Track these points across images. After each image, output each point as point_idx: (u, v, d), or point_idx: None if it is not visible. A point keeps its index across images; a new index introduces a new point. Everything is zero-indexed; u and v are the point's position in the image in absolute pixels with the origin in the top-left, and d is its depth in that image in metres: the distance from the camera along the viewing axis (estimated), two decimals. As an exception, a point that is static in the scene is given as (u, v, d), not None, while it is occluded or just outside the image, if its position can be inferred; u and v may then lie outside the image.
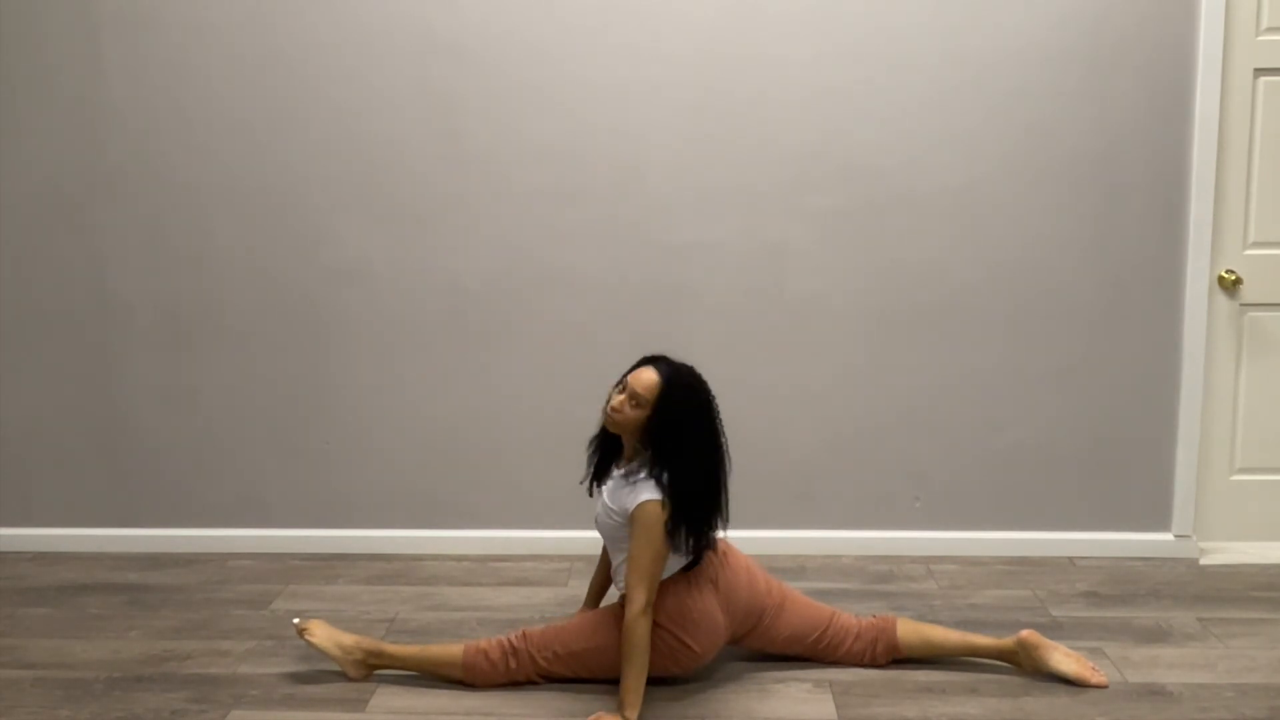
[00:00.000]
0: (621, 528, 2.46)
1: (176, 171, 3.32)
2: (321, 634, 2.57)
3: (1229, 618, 2.90)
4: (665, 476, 2.39)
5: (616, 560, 2.53)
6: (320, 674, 2.62)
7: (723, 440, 2.49)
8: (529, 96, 3.24)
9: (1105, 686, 2.51)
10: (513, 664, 2.52)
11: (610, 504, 2.48)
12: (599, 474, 2.59)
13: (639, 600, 2.35)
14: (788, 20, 3.18)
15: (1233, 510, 3.37)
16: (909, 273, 3.27)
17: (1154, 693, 2.49)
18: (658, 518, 2.37)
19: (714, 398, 2.49)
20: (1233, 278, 3.24)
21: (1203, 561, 3.29)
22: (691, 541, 2.43)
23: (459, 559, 3.39)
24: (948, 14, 3.16)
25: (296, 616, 2.72)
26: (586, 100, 3.23)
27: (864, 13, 3.16)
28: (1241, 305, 3.28)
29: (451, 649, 2.55)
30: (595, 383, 3.34)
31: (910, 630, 2.62)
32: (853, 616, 2.65)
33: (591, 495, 2.62)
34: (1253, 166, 3.22)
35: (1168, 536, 3.34)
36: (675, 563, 2.47)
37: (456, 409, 3.39)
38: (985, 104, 3.19)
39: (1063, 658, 2.52)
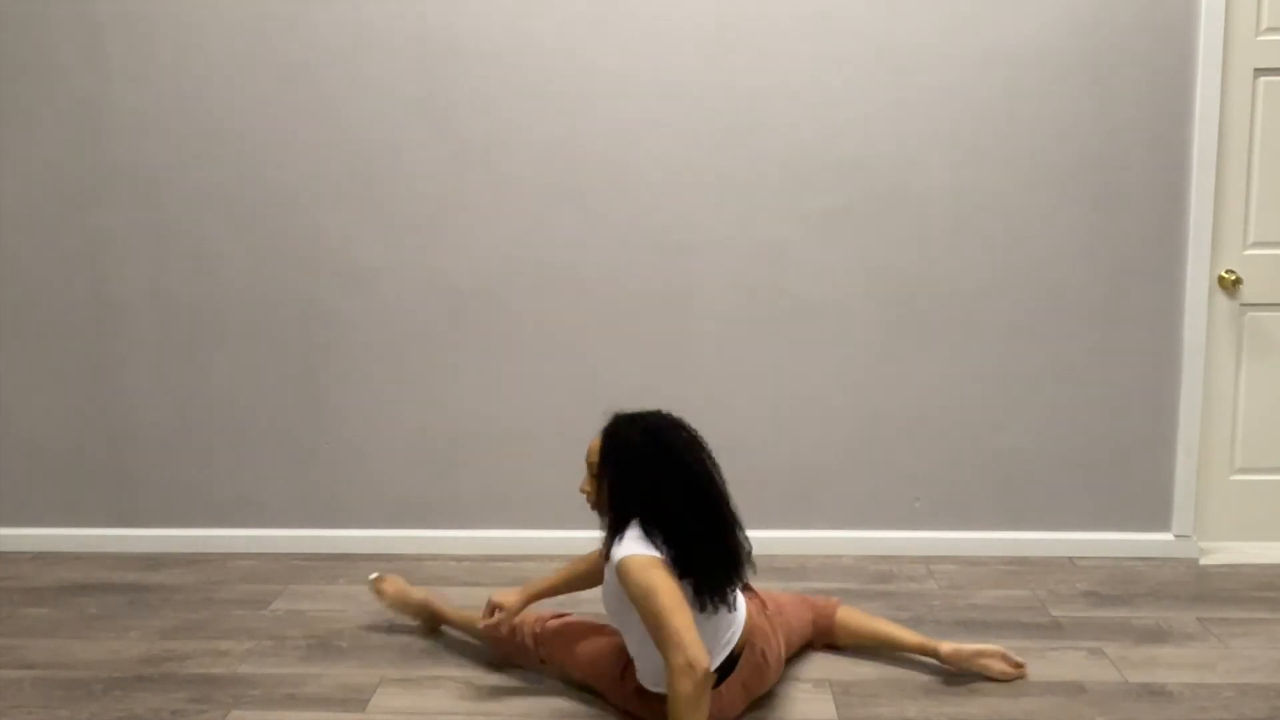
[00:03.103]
0: (617, 599, 2.27)
1: (176, 171, 3.32)
2: (391, 591, 2.79)
3: (1229, 618, 2.90)
4: (648, 529, 2.20)
5: (632, 644, 2.31)
6: (320, 674, 2.62)
7: (706, 480, 2.27)
8: (528, 97, 3.24)
9: (1025, 676, 2.55)
10: (527, 651, 2.56)
11: (608, 577, 2.31)
12: (609, 541, 2.34)
13: (678, 659, 2.04)
14: (787, 20, 3.18)
15: (1233, 510, 3.37)
16: (909, 273, 3.27)
17: (1154, 693, 2.49)
18: (642, 565, 2.14)
19: (679, 440, 2.27)
20: (1233, 278, 3.24)
21: (1203, 561, 3.29)
22: (710, 599, 2.22)
23: (459, 559, 3.39)
24: (947, 14, 3.16)
25: (374, 573, 2.88)
26: (586, 101, 3.23)
27: (864, 13, 3.16)
28: (1241, 305, 3.28)
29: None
30: (595, 383, 3.35)
31: (843, 624, 2.64)
32: (810, 616, 2.64)
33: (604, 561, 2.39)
34: (1253, 166, 3.22)
35: (1168, 536, 3.34)
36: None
37: (456, 409, 3.39)
38: (985, 104, 3.19)
39: (986, 663, 2.53)
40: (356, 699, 2.50)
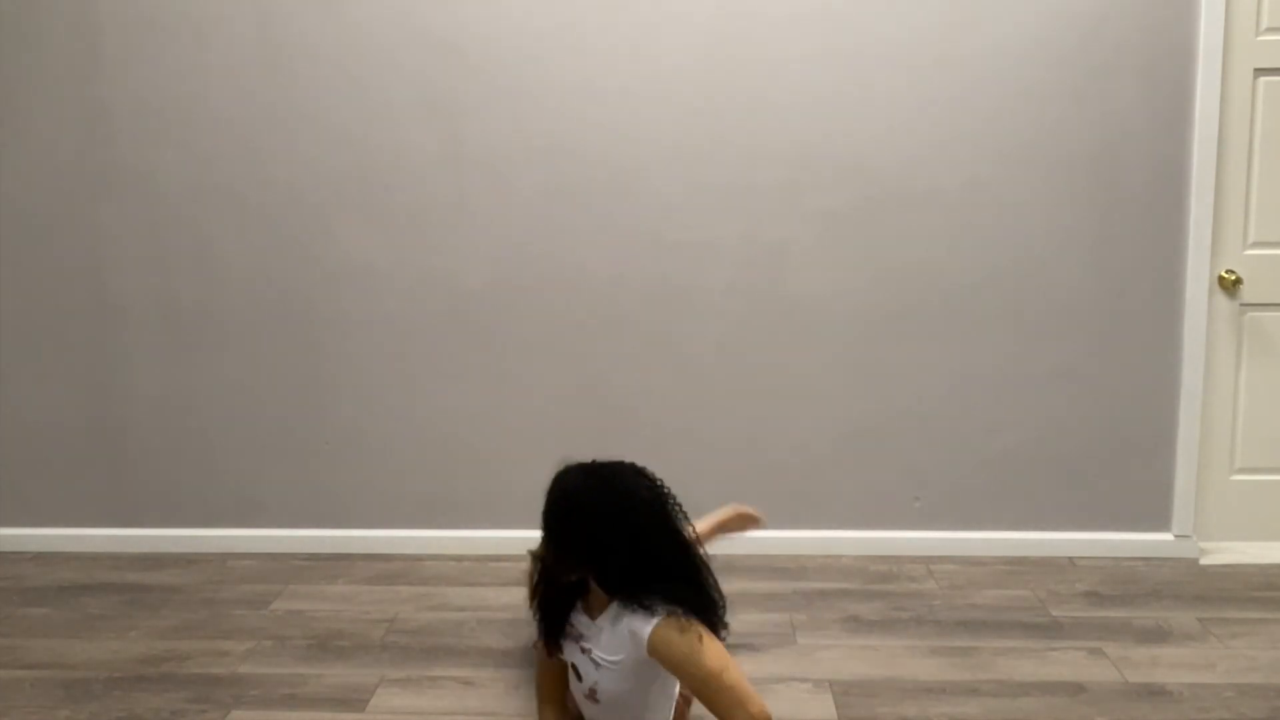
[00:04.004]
0: (630, 675, 2.09)
1: (176, 171, 3.32)
2: None
3: (1229, 618, 2.90)
4: (635, 593, 2.03)
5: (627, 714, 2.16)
6: (320, 674, 2.62)
7: (655, 520, 2.07)
8: (529, 96, 3.24)
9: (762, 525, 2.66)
10: None
11: (606, 655, 2.09)
12: (555, 629, 2.18)
13: (742, 717, 1.94)
14: (787, 20, 3.18)
15: (1233, 510, 3.37)
16: (909, 273, 3.27)
17: (1154, 693, 2.49)
18: (675, 631, 1.99)
19: (622, 487, 2.06)
20: (1233, 278, 3.24)
21: (1203, 561, 3.29)
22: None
23: (459, 559, 3.39)
24: (947, 14, 3.16)
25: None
26: (586, 100, 3.23)
27: (863, 13, 3.16)
28: (1241, 305, 3.28)
29: None
30: (594, 383, 3.35)
31: None
32: None
33: (551, 656, 2.22)
34: (1253, 166, 3.22)
35: (1168, 536, 3.34)
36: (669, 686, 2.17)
37: (456, 409, 3.39)
38: (985, 104, 3.19)
39: (729, 532, 2.66)
40: (356, 699, 2.50)
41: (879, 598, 3.05)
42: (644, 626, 2.01)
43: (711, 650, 1.98)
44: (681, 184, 3.26)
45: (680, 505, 2.12)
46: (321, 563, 3.38)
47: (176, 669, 2.66)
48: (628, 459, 2.17)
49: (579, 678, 2.15)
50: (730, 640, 2.70)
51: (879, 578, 3.20)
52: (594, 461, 2.12)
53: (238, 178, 3.32)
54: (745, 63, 3.20)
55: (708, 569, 2.13)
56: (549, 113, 3.24)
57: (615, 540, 2.02)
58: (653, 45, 3.20)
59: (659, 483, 2.11)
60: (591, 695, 2.13)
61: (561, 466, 2.13)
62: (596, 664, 2.10)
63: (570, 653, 2.17)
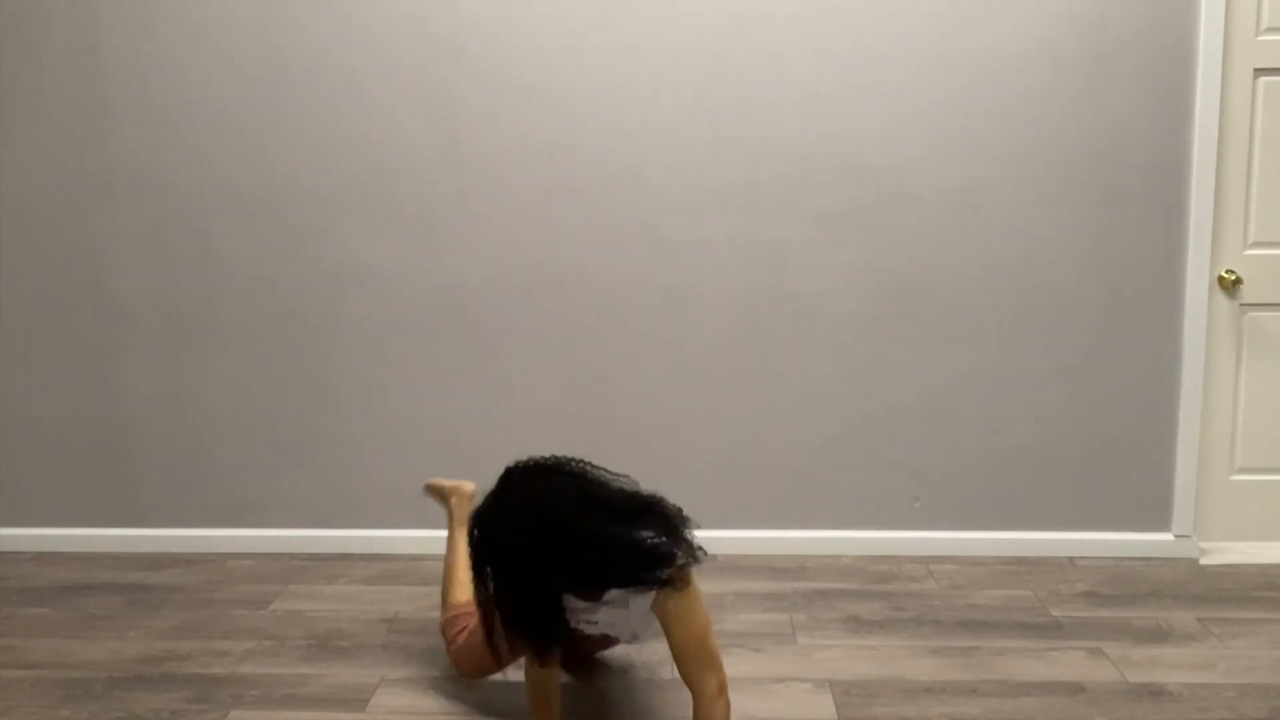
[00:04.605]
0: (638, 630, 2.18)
1: (177, 171, 3.32)
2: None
3: (1229, 618, 2.90)
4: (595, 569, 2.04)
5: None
6: (320, 674, 2.62)
7: (588, 508, 2.06)
8: (529, 96, 3.24)
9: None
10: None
11: (631, 612, 2.12)
12: (548, 640, 2.13)
13: (712, 683, 2.06)
14: (787, 20, 3.18)
15: (1233, 510, 3.37)
16: (908, 272, 3.27)
17: (1154, 693, 2.49)
18: (671, 598, 2.05)
19: (544, 513, 2.06)
20: (1233, 278, 3.24)
21: (1203, 561, 3.29)
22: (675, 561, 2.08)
23: (459, 559, 3.39)
24: (947, 14, 3.16)
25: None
26: (586, 100, 3.23)
27: (864, 12, 3.17)
28: (1241, 305, 3.28)
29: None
30: (594, 382, 3.36)
31: None
32: None
33: (544, 666, 2.22)
34: (1253, 166, 3.22)
35: (1168, 536, 3.34)
36: None
37: (456, 409, 3.39)
38: (985, 104, 3.19)
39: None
40: (356, 699, 2.50)
41: (879, 598, 3.05)
42: (643, 598, 2.07)
43: (699, 614, 2.08)
44: (681, 184, 3.26)
45: (584, 461, 2.15)
46: (321, 563, 3.38)
47: (176, 669, 2.66)
48: (616, 460, 2.20)
49: (611, 642, 2.28)
50: (730, 640, 2.71)
51: (879, 578, 3.20)
52: (498, 497, 2.17)
53: (238, 177, 3.32)
54: (746, 62, 3.20)
55: (655, 504, 2.10)
56: (549, 112, 3.24)
57: (568, 559, 2.02)
58: (653, 45, 3.20)
59: (563, 461, 2.15)
60: (634, 639, 2.22)
61: (474, 511, 2.19)
62: (627, 620, 2.15)
63: (593, 629, 2.18)
